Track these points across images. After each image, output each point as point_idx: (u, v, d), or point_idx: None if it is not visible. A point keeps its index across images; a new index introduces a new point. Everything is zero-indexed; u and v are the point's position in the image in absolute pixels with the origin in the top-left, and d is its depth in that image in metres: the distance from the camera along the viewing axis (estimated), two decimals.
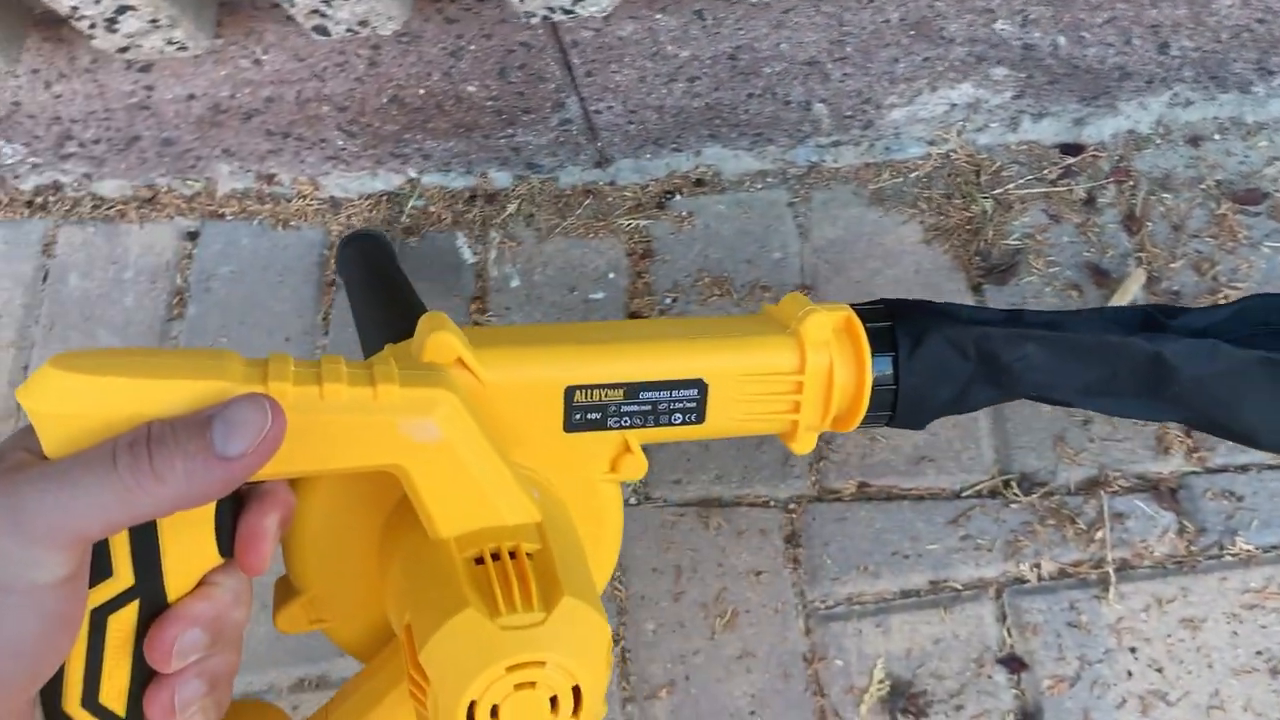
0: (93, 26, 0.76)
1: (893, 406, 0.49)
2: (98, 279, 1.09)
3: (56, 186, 1.13)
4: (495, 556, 0.37)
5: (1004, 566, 0.87)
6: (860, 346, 0.47)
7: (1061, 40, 0.89)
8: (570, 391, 0.43)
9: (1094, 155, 0.98)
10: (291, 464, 0.34)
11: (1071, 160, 0.98)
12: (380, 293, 0.87)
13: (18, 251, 1.12)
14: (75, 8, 0.74)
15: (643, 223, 1.02)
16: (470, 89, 0.91)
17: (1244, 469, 0.87)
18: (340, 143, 1.00)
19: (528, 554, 0.37)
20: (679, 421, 0.45)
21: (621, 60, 0.88)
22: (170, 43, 0.79)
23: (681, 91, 0.93)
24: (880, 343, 0.48)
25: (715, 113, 0.96)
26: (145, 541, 0.32)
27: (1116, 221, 0.96)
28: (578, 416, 0.43)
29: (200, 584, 0.34)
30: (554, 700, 0.35)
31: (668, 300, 0.99)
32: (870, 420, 0.49)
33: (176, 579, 0.33)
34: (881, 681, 0.84)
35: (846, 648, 0.85)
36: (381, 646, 0.46)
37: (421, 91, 0.92)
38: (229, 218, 1.10)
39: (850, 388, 0.47)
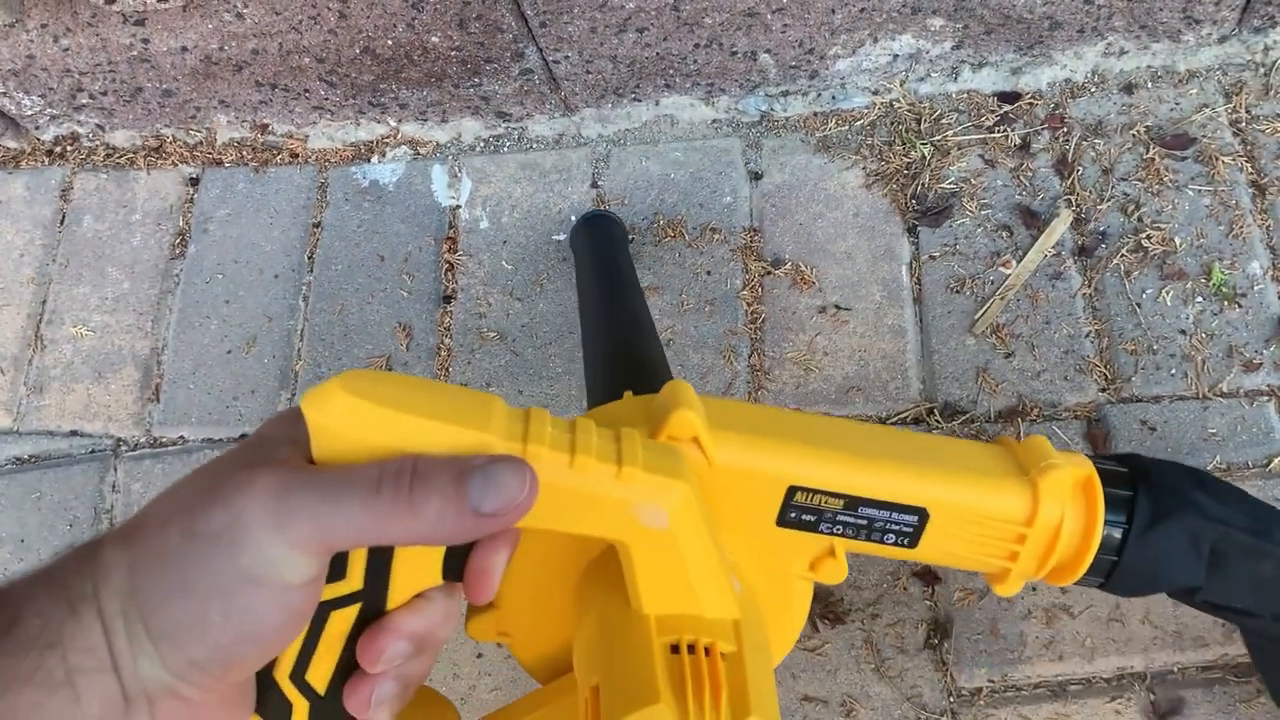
0: None
1: (1108, 575, 0.47)
2: (109, 221, 1.19)
3: (74, 137, 1.22)
4: (691, 649, 0.38)
5: None
6: (1094, 510, 0.46)
7: None
8: (792, 490, 0.43)
9: (1030, 103, 1.03)
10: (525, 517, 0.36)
11: (1008, 108, 1.03)
12: (613, 300, 0.86)
13: (39, 197, 1.22)
14: None
15: (601, 169, 1.09)
16: (434, 40, 0.98)
17: (1157, 399, 0.92)
18: (323, 93, 1.08)
19: (722, 654, 0.38)
20: (890, 542, 0.45)
21: (571, 11, 0.94)
22: None
23: (632, 42, 0.99)
24: (1116, 510, 0.46)
25: (667, 63, 1.02)
26: (381, 556, 0.35)
27: (1049, 166, 1.00)
28: (793, 515, 0.44)
29: (417, 597, 0.36)
30: None
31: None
32: (1083, 581, 0.48)
33: (398, 591, 0.36)
34: None
35: None
36: (556, 674, 0.47)
37: (390, 42, 0.99)
38: (227, 165, 1.18)
39: (1073, 549, 0.46)
